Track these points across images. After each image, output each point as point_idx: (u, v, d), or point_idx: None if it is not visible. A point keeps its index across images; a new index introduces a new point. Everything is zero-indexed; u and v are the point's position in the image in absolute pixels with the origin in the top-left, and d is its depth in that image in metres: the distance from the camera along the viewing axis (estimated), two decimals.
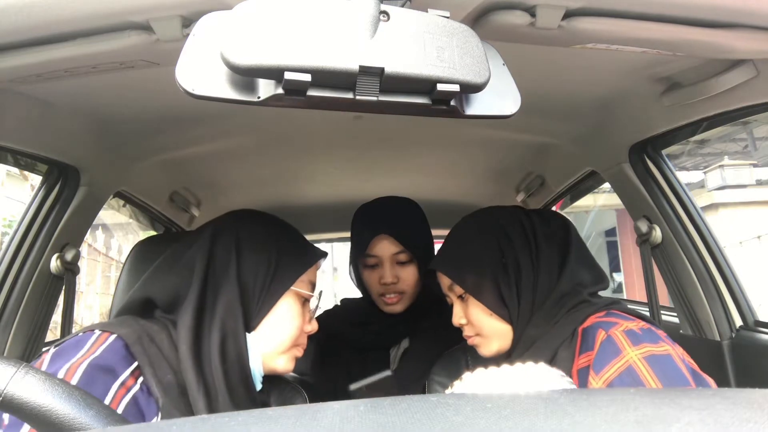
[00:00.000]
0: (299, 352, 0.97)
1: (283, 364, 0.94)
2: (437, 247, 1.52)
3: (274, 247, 0.93)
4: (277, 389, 1.22)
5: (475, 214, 1.13)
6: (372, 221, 1.40)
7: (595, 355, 0.86)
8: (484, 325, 1.02)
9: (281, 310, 0.92)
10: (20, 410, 0.47)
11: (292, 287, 0.93)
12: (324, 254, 1.02)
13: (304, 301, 0.96)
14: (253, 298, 0.90)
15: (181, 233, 1.86)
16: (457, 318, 1.06)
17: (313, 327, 0.99)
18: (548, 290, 0.99)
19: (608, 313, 0.94)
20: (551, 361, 0.93)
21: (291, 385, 1.24)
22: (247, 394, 0.89)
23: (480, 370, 0.79)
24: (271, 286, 0.91)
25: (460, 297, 1.06)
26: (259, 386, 0.93)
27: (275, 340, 0.91)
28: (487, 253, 1.02)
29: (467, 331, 1.06)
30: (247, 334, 0.89)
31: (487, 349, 1.03)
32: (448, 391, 0.83)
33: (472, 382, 0.78)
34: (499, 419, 0.34)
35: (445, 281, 1.08)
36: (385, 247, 1.36)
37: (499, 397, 0.41)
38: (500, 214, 1.08)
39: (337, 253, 10.06)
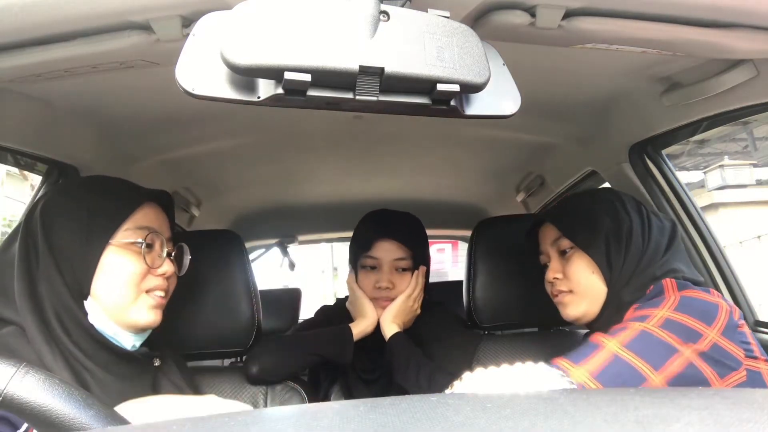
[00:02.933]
0: (154, 299, 0.93)
1: (139, 317, 0.91)
2: (433, 256, 1.52)
3: (82, 208, 0.91)
4: (274, 389, 1.22)
5: (591, 189, 1.19)
6: (379, 224, 1.40)
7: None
8: (581, 281, 1.04)
9: (109, 266, 0.89)
10: (20, 410, 0.47)
11: (111, 241, 0.90)
12: (151, 193, 0.98)
13: (147, 246, 0.93)
14: (75, 264, 0.88)
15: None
16: (553, 272, 1.08)
17: (166, 268, 0.95)
18: (651, 264, 1.00)
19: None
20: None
21: (288, 385, 1.24)
22: (116, 360, 0.89)
23: (480, 370, 0.79)
24: (87, 248, 0.89)
25: (563, 252, 1.08)
26: (130, 344, 0.93)
27: (113, 296, 0.89)
28: (602, 215, 1.04)
29: (560, 286, 1.07)
30: (86, 300, 0.88)
31: (575, 308, 1.05)
32: (448, 391, 0.83)
33: (472, 382, 0.78)
34: (499, 419, 0.34)
35: (550, 235, 1.10)
36: (388, 251, 1.35)
37: (499, 397, 0.41)
38: (619, 192, 1.13)
39: (337, 253, 10.06)
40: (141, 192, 0.98)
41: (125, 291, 0.90)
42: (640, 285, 0.99)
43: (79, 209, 0.91)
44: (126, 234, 0.92)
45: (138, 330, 0.93)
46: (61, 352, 0.84)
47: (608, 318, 0.99)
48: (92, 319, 0.88)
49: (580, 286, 1.04)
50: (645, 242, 1.02)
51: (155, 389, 0.96)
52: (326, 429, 0.35)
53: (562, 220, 1.09)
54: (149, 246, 0.94)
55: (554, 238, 1.09)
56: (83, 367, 0.86)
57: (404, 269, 1.36)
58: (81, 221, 0.90)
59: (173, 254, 0.99)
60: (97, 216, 0.91)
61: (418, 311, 1.37)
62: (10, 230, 1.12)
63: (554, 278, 1.08)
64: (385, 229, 1.38)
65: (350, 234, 1.47)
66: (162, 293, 0.95)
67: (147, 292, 0.93)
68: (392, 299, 1.35)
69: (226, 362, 1.52)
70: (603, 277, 1.01)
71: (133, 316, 0.91)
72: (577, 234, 1.05)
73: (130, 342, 0.93)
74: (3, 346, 0.83)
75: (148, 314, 0.92)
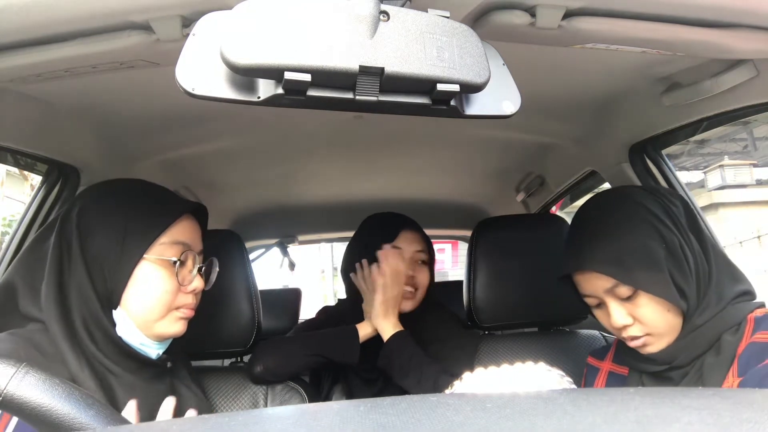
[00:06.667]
0: (184, 313, 0.94)
1: (167, 329, 0.92)
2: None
3: (120, 217, 0.89)
4: (274, 389, 1.22)
5: (603, 199, 1.00)
6: (397, 219, 1.42)
7: None
8: (659, 323, 0.91)
9: (141, 280, 0.88)
10: (20, 410, 0.47)
11: (146, 255, 0.88)
12: (190, 206, 0.98)
13: (177, 261, 0.91)
14: (107, 274, 0.87)
15: None
16: (621, 319, 0.93)
17: (195, 285, 0.95)
18: (707, 275, 0.90)
19: None
20: (715, 345, 0.89)
21: (288, 385, 1.24)
22: (139, 365, 0.89)
23: (480, 370, 0.79)
24: (121, 259, 0.87)
25: (626, 298, 0.92)
26: (155, 353, 0.93)
27: (143, 310, 0.89)
28: (649, 241, 0.90)
29: (634, 332, 0.93)
30: (114, 310, 0.88)
31: (657, 347, 0.93)
32: (448, 391, 0.83)
33: (472, 382, 0.78)
34: (499, 419, 0.35)
35: (600, 283, 0.94)
36: (412, 241, 1.37)
37: (499, 397, 0.41)
38: (636, 195, 0.97)
39: (338, 253, 10.06)
40: (180, 204, 0.97)
41: (156, 307, 0.90)
42: (709, 308, 0.89)
43: (117, 217, 0.89)
44: (162, 248, 0.90)
45: (163, 339, 0.94)
46: (84, 356, 0.84)
47: (684, 335, 0.90)
48: (120, 329, 0.88)
49: (658, 328, 0.91)
50: (692, 254, 0.91)
51: (172, 391, 0.97)
52: (326, 429, 0.35)
53: (611, 266, 0.91)
54: (182, 263, 0.93)
55: (608, 287, 0.93)
56: (107, 370, 0.86)
57: (423, 262, 1.37)
58: (118, 230, 0.88)
59: (203, 269, 0.99)
60: (134, 226, 0.89)
61: (402, 290, 1.29)
62: (10, 230, 1.12)
63: (623, 325, 0.93)
64: (407, 220, 1.40)
65: (351, 234, 1.47)
66: (191, 308, 0.96)
67: (176, 308, 0.93)
68: (413, 290, 1.34)
69: (226, 362, 1.52)
70: (680, 309, 0.90)
71: (160, 328, 0.91)
72: (639, 279, 0.90)
73: (154, 352, 0.93)
74: (29, 341, 0.83)
75: (175, 326, 0.93)
